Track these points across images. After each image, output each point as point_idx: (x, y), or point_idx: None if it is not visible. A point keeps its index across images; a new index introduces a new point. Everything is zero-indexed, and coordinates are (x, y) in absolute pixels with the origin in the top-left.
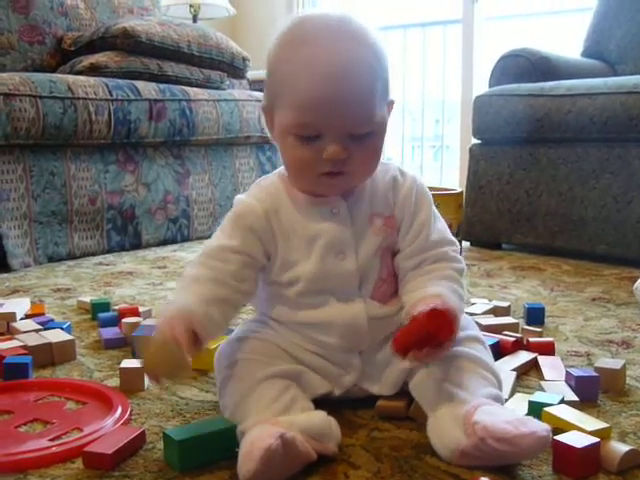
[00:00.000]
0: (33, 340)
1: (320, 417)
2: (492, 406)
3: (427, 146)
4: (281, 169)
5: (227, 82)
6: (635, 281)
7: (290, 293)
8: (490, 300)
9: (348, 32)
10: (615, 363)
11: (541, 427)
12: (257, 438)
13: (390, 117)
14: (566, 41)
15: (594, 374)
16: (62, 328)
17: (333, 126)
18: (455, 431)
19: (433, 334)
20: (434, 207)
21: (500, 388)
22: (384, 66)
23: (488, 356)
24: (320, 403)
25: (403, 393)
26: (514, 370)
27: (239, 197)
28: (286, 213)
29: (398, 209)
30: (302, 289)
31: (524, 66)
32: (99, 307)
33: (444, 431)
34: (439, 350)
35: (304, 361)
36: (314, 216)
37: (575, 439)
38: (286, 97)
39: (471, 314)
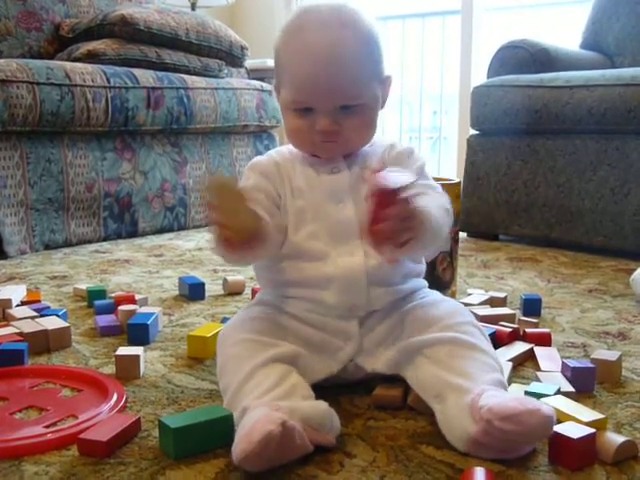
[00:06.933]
0: (29, 327)
1: (321, 408)
2: (496, 390)
3: (424, 137)
4: None
5: (225, 70)
6: (631, 273)
7: (296, 238)
8: (487, 291)
9: (337, 19)
10: (611, 354)
11: (546, 407)
12: (259, 421)
13: (389, 92)
14: (565, 33)
15: (590, 365)
16: (58, 315)
17: (322, 102)
18: (463, 421)
19: (380, 209)
20: (426, 170)
21: (502, 373)
22: (372, 49)
23: (486, 342)
24: (318, 391)
25: (399, 382)
26: (510, 361)
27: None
28: (294, 168)
29: (390, 163)
30: (306, 234)
31: (523, 57)
32: (95, 294)
33: (453, 423)
34: (390, 228)
35: (304, 337)
36: (317, 171)
37: (571, 430)
38: (285, 78)
39: (467, 304)
